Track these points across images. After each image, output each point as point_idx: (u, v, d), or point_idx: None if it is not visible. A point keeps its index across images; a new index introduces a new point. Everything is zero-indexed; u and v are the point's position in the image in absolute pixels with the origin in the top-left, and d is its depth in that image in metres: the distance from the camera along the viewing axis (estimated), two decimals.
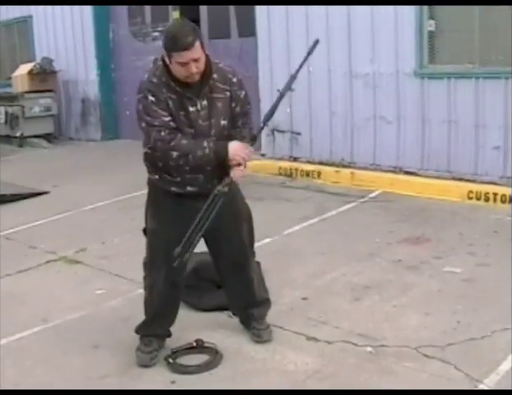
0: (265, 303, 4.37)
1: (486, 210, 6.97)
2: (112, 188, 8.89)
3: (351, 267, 5.55)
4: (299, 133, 9.36)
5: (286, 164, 9.21)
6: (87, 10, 13.40)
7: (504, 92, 7.31)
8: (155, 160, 3.74)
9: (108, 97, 13.56)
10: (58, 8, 14.07)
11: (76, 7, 13.57)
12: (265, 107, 9.54)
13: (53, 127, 14.16)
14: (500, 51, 7.36)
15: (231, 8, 10.87)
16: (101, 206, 8.17)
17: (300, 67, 3.86)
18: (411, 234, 6.31)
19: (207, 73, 3.68)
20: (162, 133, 3.57)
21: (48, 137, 13.96)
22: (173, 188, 3.76)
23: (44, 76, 13.86)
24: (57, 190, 9.17)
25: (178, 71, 3.59)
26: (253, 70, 9.56)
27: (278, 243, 6.31)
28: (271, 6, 9.17)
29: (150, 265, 4.00)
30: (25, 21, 15.17)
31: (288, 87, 3.90)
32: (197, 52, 3.53)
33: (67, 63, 14.11)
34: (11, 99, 13.99)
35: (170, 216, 3.79)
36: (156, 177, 3.82)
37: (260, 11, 9.47)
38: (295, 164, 9.15)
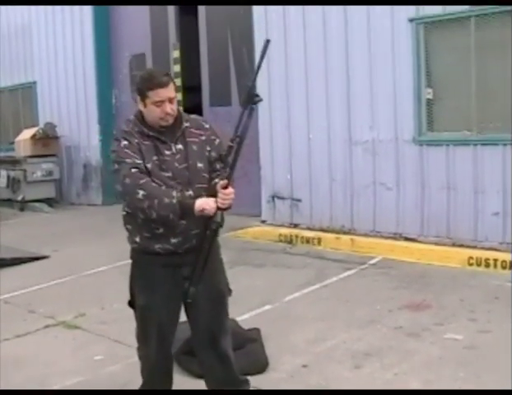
0: (241, 384, 4.04)
1: (487, 276, 6.96)
2: (113, 252, 8.86)
3: (352, 333, 5.52)
4: (299, 200, 9.41)
5: (286, 231, 9.23)
6: (91, 76, 13.66)
7: (502, 158, 7.39)
8: (134, 218, 3.69)
9: (110, 162, 13.58)
10: (61, 74, 14.34)
11: (80, 73, 13.83)
12: (266, 174, 9.71)
13: (55, 192, 14.26)
14: (497, 118, 7.48)
15: (232, 75, 11.07)
16: (101, 271, 8.15)
17: (256, 73, 3.70)
18: (412, 300, 6.29)
19: (178, 119, 3.73)
20: (132, 170, 3.54)
21: (49, 202, 14.04)
22: (157, 246, 3.66)
23: (47, 141, 14.03)
24: (57, 254, 9.17)
25: (153, 112, 3.63)
26: (254, 137, 9.63)
27: (279, 309, 6.27)
28: (271, 75, 9.31)
29: (142, 338, 3.93)
30: (30, 87, 15.43)
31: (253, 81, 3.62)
32: (172, 91, 3.62)
33: (69, 129, 14.29)
34: (14, 163, 14.13)
35: (159, 289, 3.71)
36: (137, 240, 3.76)
37: (261, 78, 9.59)
38: (295, 231, 9.18)
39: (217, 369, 3.93)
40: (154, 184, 3.53)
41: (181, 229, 3.61)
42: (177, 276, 3.66)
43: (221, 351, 3.89)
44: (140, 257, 3.78)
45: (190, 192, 3.63)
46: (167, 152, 3.65)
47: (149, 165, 3.60)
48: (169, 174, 3.62)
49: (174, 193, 3.50)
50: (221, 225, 3.49)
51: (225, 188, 3.46)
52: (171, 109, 3.62)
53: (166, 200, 3.46)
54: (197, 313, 3.79)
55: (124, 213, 3.80)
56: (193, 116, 3.94)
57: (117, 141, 3.67)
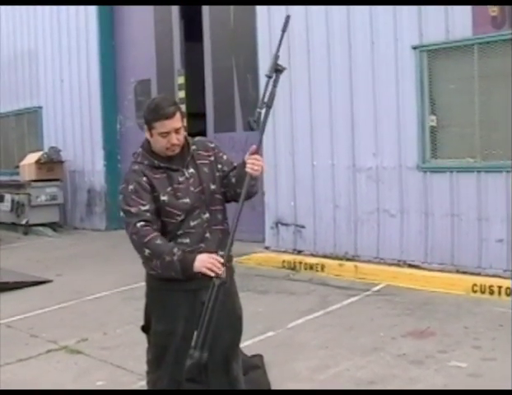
0: None
1: (491, 303, 6.93)
2: (116, 278, 8.88)
3: (355, 361, 5.49)
4: (303, 226, 9.41)
5: (289, 257, 9.21)
6: (96, 102, 13.73)
7: (506, 185, 7.39)
8: None
9: (113, 188, 13.66)
10: (67, 100, 14.42)
11: (85, 99, 13.91)
12: (269, 201, 9.72)
13: (59, 216, 14.30)
14: (500, 145, 7.49)
15: (237, 101, 11.12)
16: (105, 296, 8.14)
17: (279, 46, 3.75)
18: (416, 327, 6.26)
19: (185, 145, 3.74)
20: (138, 226, 3.53)
21: (53, 226, 14.06)
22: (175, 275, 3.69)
23: (52, 165, 14.08)
24: (60, 279, 9.16)
25: (159, 143, 3.64)
26: None
27: (282, 336, 6.25)
28: (275, 100, 9.32)
29: (156, 363, 3.89)
30: (35, 111, 15.53)
31: (273, 70, 3.70)
32: (178, 122, 3.62)
33: (74, 154, 14.35)
34: (18, 187, 14.18)
35: (179, 315, 3.68)
36: (155, 269, 3.70)
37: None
38: (298, 257, 9.16)
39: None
40: (159, 241, 3.51)
41: (199, 253, 3.60)
42: (196, 301, 3.65)
43: (232, 376, 3.92)
44: (158, 283, 3.71)
45: (207, 215, 3.68)
46: (181, 179, 3.67)
47: (165, 198, 3.62)
48: (187, 201, 3.64)
49: (175, 250, 3.49)
50: (225, 282, 3.46)
51: (255, 154, 3.56)
52: (177, 139, 3.63)
53: (168, 258, 3.47)
54: (215, 336, 3.77)
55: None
56: (197, 138, 3.96)
57: (125, 183, 3.68)
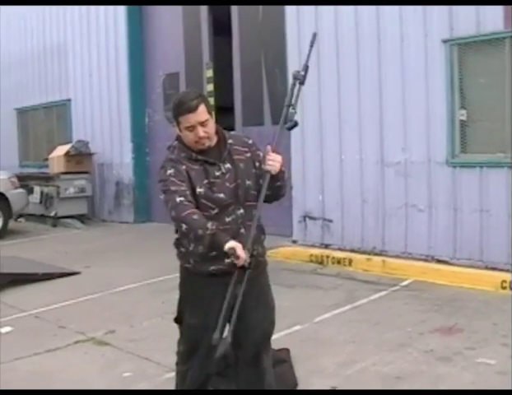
0: None
1: None
2: (143, 270, 8.92)
3: (382, 356, 5.46)
4: (330, 220, 9.38)
5: (317, 252, 9.19)
6: (124, 95, 13.80)
7: None
8: (188, 242, 3.72)
9: (141, 180, 13.77)
10: (96, 93, 14.51)
11: (114, 92, 13.99)
12: (297, 195, 9.70)
13: (87, 209, 14.40)
14: None
15: (265, 95, 11.11)
16: (132, 288, 8.18)
17: (308, 57, 3.83)
18: (444, 324, 6.21)
19: (221, 138, 3.74)
20: (177, 200, 3.52)
21: (81, 218, 14.17)
22: (211, 268, 3.65)
23: (80, 158, 14.17)
24: (88, 271, 9.23)
25: (187, 137, 3.65)
26: (286, 157, 9.60)
27: (308, 330, 6.24)
28: (304, 96, 9.30)
29: (187, 355, 3.90)
30: (64, 105, 15.65)
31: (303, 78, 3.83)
32: (202, 115, 3.60)
33: (102, 146, 14.44)
34: (47, 179, 14.29)
35: (213, 309, 3.64)
36: (191, 261, 3.74)
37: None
38: (326, 252, 9.14)
39: (255, 387, 3.95)
40: (195, 216, 3.49)
41: None
42: (229, 294, 3.65)
43: (261, 367, 3.94)
44: (193, 277, 3.74)
45: (242, 211, 3.69)
46: (217, 173, 3.67)
47: (201, 190, 3.62)
48: (222, 195, 3.65)
49: (209, 225, 3.46)
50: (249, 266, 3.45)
51: (273, 152, 3.62)
52: (204, 132, 3.62)
53: (200, 232, 3.45)
54: (247, 329, 3.79)
55: (177, 236, 3.78)
56: (234, 133, 3.96)
57: (163, 169, 3.67)
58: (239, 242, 3.51)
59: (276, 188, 3.74)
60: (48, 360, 5.82)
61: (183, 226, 3.51)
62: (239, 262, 3.37)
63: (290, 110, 3.73)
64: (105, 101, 14.34)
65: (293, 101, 3.73)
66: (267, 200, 3.72)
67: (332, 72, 9.18)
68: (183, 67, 13.09)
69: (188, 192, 3.58)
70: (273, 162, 3.62)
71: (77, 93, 15.16)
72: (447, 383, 4.85)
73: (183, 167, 3.63)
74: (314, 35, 4.00)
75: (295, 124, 3.72)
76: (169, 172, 3.63)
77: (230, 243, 3.40)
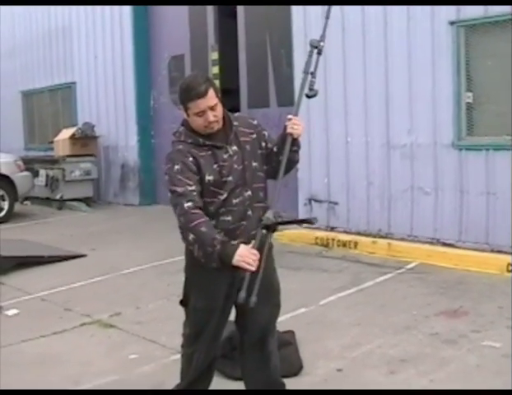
0: (280, 387, 4.11)
1: None
2: (149, 253, 8.93)
3: (387, 339, 5.46)
4: (336, 203, 9.37)
5: (322, 234, 9.19)
6: (129, 77, 13.78)
7: None
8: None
9: (147, 163, 13.76)
10: (101, 75, 14.49)
11: (119, 74, 13.97)
12: (303, 177, 9.68)
13: (93, 191, 14.41)
14: None
15: (270, 77, 11.07)
16: (138, 270, 8.20)
17: (324, 30, 3.87)
18: (449, 306, 6.21)
19: (227, 121, 3.73)
20: (185, 206, 3.48)
21: (87, 201, 14.19)
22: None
23: (86, 140, 14.17)
24: (94, 253, 9.25)
25: (196, 122, 3.62)
26: None
27: (314, 313, 6.25)
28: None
29: (193, 338, 3.90)
30: (69, 87, 15.63)
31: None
32: (212, 100, 3.58)
33: (108, 129, 14.43)
34: (53, 162, 14.30)
35: (219, 292, 3.68)
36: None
37: (299, 79, 9.58)
38: (331, 234, 9.13)
39: (260, 371, 3.99)
40: (204, 228, 3.45)
41: (241, 230, 3.65)
42: (235, 278, 3.66)
43: (267, 352, 3.96)
44: (198, 264, 3.66)
45: (249, 193, 3.68)
46: (225, 156, 3.65)
47: (210, 178, 3.59)
48: (230, 179, 3.63)
49: (216, 242, 3.43)
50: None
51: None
52: (214, 116, 3.59)
53: (209, 249, 3.43)
54: (252, 312, 3.79)
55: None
56: (238, 114, 3.96)
57: (170, 162, 3.63)
58: (247, 226, 3.53)
59: (292, 152, 3.77)
60: (54, 342, 5.85)
61: (191, 236, 3.49)
62: (251, 270, 3.39)
63: (311, 78, 3.75)
64: (110, 84, 14.31)
65: (313, 69, 3.74)
66: (277, 171, 3.70)
67: (338, 53, 9.13)
68: (189, 49, 13.04)
69: (195, 191, 3.54)
70: (297, 126, 3.68)
71: (82, 76, 15.12)
72: (452, 366, 4.86)
73: (191, 158, 3.59)
74: (329, 8, 4.01)
75: (315, 94, 3.75)
76: (176, 168, 3.58)
77: (237, 257, 3.40)
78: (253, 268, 3.38)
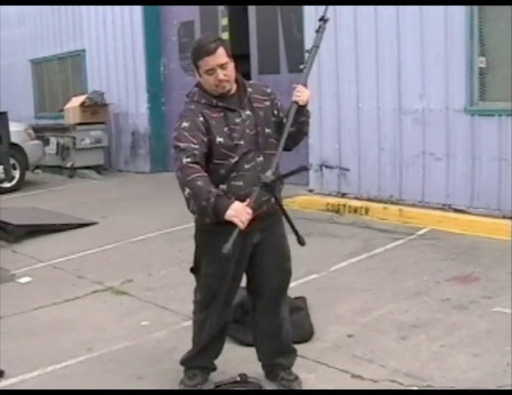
0: (292, 352, 4.17)
1: None
2: (160, 219, 8.95)
3: (398, 304, 5.47)
4: (347, 169, 9.33)
5: (333, 200, 9.17)
6: (139, 44, 13.70)
7: None
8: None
9: (157, 130, 13.74)
10: (110, 42, 14.40)
11: (129, 41, 13.88)
12: (314, 143, 9.63)
13: (103, 159, 14.42)
14: None
15: (281, 43, 10.98)
16: (149, 237, 8.23)
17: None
18: (460, 272, 6.20)
19: (241, 86, 3.75)
20: (184, 161, 3.49)
21: (98, 169, 14.22)
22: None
23: (96, 108, 14.14)
24: (105, 221, 9.28)
25: (207, 82, 3.64)
26: None
27: (325, 279, 6.26)
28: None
29: (205, 304, 3.92)
30: (79, 55, 15.57)
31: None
32: (221, 57, 3.59)
33: (118, 96, 14.39)
34: (63, 130, 14.29)
35: (228, 259, 3.62)
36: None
37: (309, 44, 9.50)
38: (342, 200, 9.11)
39: (272, 337, 4.04)
40: (200, 182, 3.45)
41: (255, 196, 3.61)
42: (247, 243, 3.67)
43: (279, 316, 4.01)
44: (211, 226, 3.65)
45: (261, 159, 3.69)
46: (237, 120, 3.66)
47: (221, 139, 3.60)
48: (242, 143, 3.64)
49: (211, 195, 3.43)
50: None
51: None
52: (224, 74, 3.61)
53: (203, 203, 3.44)
54: (264, 277, 3.84)
55: None
56: (252, 81, 3.99)
57: (181, 118, 3.65)
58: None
59: (301, 123, 3.77)
60: (67, 309, 5.90)
61: (187, 191, 3.49)
62: (241, 227, 3.39)
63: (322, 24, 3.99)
64: (120, 51, 14.23)
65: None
66: (289, 142, 3.72)
67: (349, 17, 9.02)
68: (198, 16, 12.93)
69: (198, 150, 3.54)
70: (300, 93, 3.69)
71: (92, 43, 15.03)
72: (462, 331, 4.86)
73: (202, 119, 3.61)
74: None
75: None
76: (184, 124, 3.61)
77: (230, 211, 3.41)
78: (243, 227, 3.39)
